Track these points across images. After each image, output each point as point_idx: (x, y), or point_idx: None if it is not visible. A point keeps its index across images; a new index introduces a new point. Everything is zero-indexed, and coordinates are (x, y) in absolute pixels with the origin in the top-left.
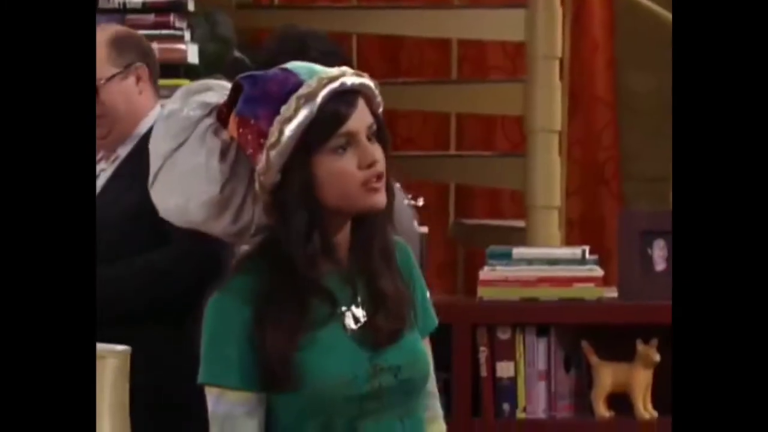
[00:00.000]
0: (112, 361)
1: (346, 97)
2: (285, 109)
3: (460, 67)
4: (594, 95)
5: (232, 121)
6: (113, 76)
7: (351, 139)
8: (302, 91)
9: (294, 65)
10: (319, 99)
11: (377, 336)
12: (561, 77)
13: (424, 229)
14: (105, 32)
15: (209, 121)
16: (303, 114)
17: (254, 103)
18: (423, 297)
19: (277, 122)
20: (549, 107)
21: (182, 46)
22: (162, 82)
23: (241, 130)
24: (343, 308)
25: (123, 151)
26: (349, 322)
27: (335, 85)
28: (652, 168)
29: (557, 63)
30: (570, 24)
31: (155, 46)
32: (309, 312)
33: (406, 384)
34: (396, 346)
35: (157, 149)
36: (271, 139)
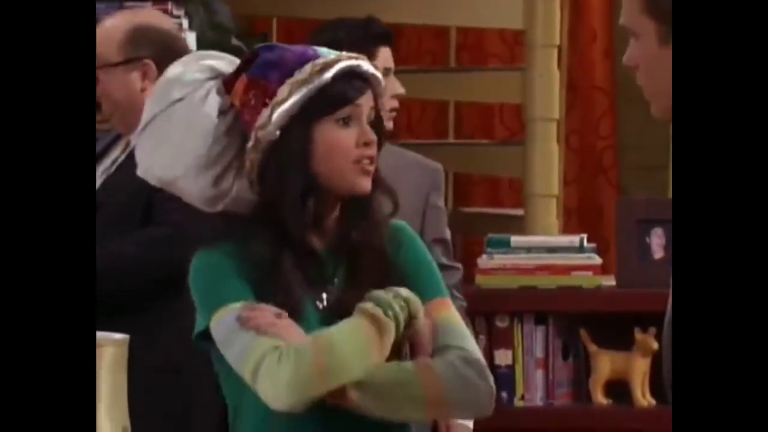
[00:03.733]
0: (110, 350)
1: (358, 81)
2: (299, 73)
3: (458, 55)
4: (592, 84)
5: (240, 84)
6: (116, 65)
7: (354, 114)
8: (320, 60)
9: (315, 47)
10: (334, 70)
11: (345, 315)
12: (559, 66)
13: None
14: (129, 18)
15: (213, 83)
16: (317, 81)
17: (268, 66)
18: (418, 268)
19: (288, 83)
20: (547, 96)
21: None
22: None
23: (246, 92)
24: (319, 287)
25: (135, 140)
26: (320, 303)
27: (352, 63)
28: (650, 157)
29: (555, 51)
30: (568, 12)
31: None
32: (301, 278)
33: None
34: None
35: (152, 103)
36: (279, 97)
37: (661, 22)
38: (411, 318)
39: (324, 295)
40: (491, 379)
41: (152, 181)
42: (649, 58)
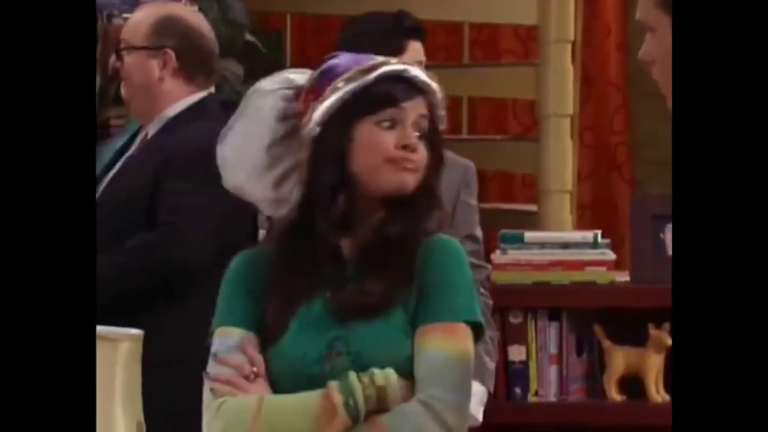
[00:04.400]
0: (124, 344)
1: (405, 85)
2: (345, 74)
3: (472, 51)
4: (606, 79)
5: (303, 93)
6: (139, 48)
7: (399, 118)
8: (366, 63)
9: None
10: (378, 71)
11: (345, 306)
12: (573, 61)
13: None
14: (160, 9)
15: (286, 92)
16: (360, 80)
17: (324, 73)
18: (438, 280)
19: (333, 83)
20: (561, 91)
21: None
22: None
23: (305, 98)
24: (335, 284)
25: (151, 131)
26: (330, 296)
27: (398, 67)
28: (663, 152)
29: (569, 47)
30: (582, 7)
31: None
32: (316, 280)
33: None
34: (366, 332)
35: (233, 116)
36: (324, 95)
37: None
38: (384, 401)
39: (335, 290)
40: (450, 419)
41: (232, 191)
42: (665, 52)
